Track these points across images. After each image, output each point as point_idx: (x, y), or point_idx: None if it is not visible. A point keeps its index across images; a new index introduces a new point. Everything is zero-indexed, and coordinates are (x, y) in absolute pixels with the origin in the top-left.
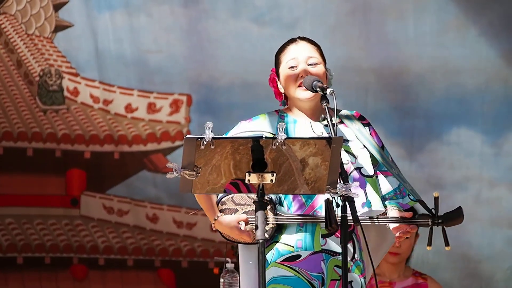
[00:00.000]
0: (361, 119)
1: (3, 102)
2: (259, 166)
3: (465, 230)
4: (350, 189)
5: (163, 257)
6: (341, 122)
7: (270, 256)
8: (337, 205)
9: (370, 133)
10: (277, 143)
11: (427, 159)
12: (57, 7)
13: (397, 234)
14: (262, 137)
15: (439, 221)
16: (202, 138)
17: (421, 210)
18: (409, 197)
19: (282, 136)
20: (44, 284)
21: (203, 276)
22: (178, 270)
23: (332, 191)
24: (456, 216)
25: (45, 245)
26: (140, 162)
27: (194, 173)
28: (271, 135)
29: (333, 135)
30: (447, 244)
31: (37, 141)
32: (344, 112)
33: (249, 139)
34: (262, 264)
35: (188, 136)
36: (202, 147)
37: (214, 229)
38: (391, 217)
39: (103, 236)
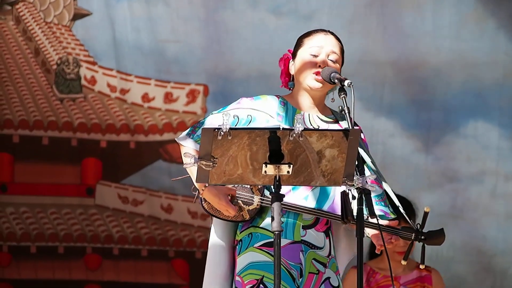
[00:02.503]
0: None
1: (20, 90)
2: (276, 157)
3: (480, 224)
4: (366, 182)
5: (177, 248)
6: (336, 121)
7: (247, 240)
8: (353, 198)
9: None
10: (294, 135)
11: (443, 152)
12: None
13: (380, 243)
14: (279, 128)
15: (422, 237)
16: (220, 128)
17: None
18: (388, 208)
19: (299, 127)
20: (57, 273)
21: None
22: (192, 261)
23: (348, 183)
24: (438, 236)
25: (58, 235)
26: (156, 152)
27: (211, 163)
28: (270, 118)
29: (351, 127)
30: (422, 262)
31: (53, 130)
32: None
33: (267, 130)
34: (278, 256)
35: (205, 126)
36: (219, 137)
37: (201, 195)
38: (374, 223)
39: (117, 225)
